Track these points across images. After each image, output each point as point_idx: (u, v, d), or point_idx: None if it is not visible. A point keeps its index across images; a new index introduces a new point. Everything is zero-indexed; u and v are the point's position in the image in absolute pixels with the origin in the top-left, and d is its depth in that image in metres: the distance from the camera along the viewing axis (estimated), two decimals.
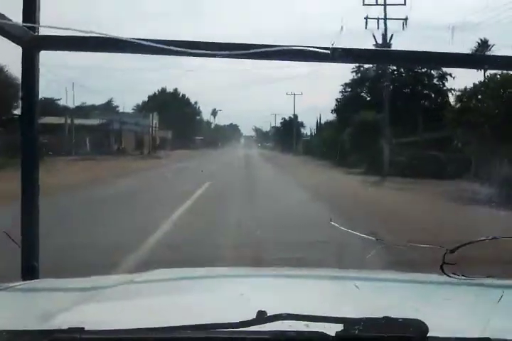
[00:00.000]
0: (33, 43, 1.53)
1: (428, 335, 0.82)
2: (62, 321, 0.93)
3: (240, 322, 0.84)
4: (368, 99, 27.86)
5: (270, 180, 16.37)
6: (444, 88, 26.05)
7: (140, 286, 1.41)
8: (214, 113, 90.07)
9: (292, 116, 57.59)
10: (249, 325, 0.84)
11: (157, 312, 1.09)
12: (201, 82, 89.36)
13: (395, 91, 23.66)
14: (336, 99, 30.07)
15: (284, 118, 61.81)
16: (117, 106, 50.71)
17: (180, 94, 66.66)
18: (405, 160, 19.05)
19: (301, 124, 58.98)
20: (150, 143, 43.24)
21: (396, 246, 1.62)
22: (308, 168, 24.10)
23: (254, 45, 1.53)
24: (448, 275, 1.30)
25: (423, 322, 0.83)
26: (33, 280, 1.45)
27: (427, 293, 1.39)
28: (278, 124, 68.20)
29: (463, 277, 1.31)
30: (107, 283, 1.38)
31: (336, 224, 1.51)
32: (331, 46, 1.54)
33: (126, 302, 1.26)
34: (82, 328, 0.85)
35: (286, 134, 55.51)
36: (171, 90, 65.63)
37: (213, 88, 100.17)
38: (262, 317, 0.85)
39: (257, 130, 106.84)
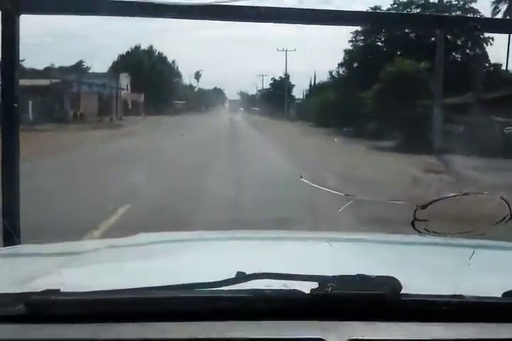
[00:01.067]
0: (13, 6, 1.70)
1: (401, 292, 0.93)
2: (41, 285, 1.03)
3: (218, 281, 0.96)
4: (385, 49, 25.81)
5: (268, 164, 11.82)
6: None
7: (121, 250, 1.63)
8: (197, 76, 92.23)
9: (284, 76, 57.46)
10: (227, 284, 0.96)
11: (136, 275, 1.24)
12: (183, 44, 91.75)
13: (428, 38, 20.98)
14: (345, 51, 28.12)
15: (273, 79, 62.19)
16: (88, 68, 49.15)
17: (156, 52, 65.63)
18: (466, 131, 14.50)
19: (293, 86, 59.16)
20: (117, 108, 42.03)
21: (367, 201, 1.85)
22: (313, 140, 19.04)
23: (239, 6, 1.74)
24: (419, 232, 1.49)
25: (396, 280, 0.94)
26: (13, 246, 1.66)
27: (402, 252, 1.63)
28: (266, 87, 69.06)
29: (434, 233, 1.51)
30: (88, 247, 1.59)
31: (306, 181, 1.73)
32: (313, 8, 1.80)
33: (105, 265, 1.44)
34: (58, 290, 0.95)
35: (276, 97, 54.78)
36: (146, 48, 64.76)
37: (196, 50, 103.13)
38: (239, 276, 0.98)
39: (243, 94, 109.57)
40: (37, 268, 1.30)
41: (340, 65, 29.47)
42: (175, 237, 1.85)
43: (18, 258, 1.59)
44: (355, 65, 27.05)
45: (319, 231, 2.02)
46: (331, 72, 35.47)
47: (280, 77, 59.75)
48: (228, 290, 0.95)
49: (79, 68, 49.62)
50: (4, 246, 1.70)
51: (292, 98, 55.33)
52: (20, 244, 1.73)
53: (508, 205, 1.39)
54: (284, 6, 1.76)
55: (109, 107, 40.14)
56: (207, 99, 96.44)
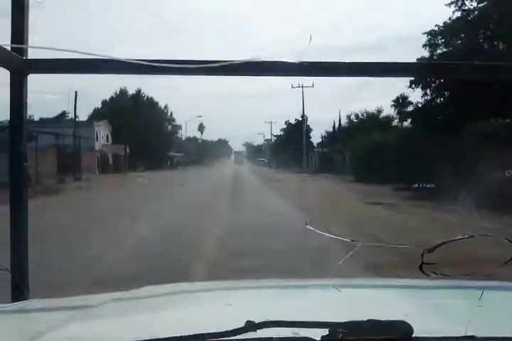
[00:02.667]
0: (21, 67, 2.18)
1: (413, 336, 1.09)
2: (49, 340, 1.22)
3: (228, 331, 1.13)
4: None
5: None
6: None
7: (127, 303, 1.95)
8: (201, 128, 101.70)
9: (299, 119, 58.78)
10: (237, 333, 1.13)
11: (145, 327, 1.46)
12: (187, 97, 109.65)
13: None
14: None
15: (287, 123, 64.69)
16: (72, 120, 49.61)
17: (145, 97, 67.07)
18: None
19: (310, 130, 60.30)
20: (89, 164, 41.54)
21: (374, 247, 2.16)
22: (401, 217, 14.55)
23: (231, 61, 2.19)
24: (427, 275, 1.80)
25: (407, 324, 1.10)
26: (22, 301, 2.02)
27: (411, 296, 1.93)
28: (275, 133, 73.47)
29: (442, 276, 1.83)
30: (95, 301, 1.91)
31: (312, 228, 2.09)
32: (300, 61, 2.20)
33: (112, 319, 1.70)
34: None
35: (289, 144, 56.99)
36: (134, 92, 65.97)
37: (199, 103, 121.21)
38: (249, 325, 1.14)
39: (248, 145, 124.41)
40: (45, 324, 1.57)
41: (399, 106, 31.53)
42: (181, 289, 2.20)
43: (27, 313, 1.92)
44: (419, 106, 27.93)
45: (326, 278, 2.35)
46: (357, 115, 37.75)
47: (296, 119, 61.61)
48: (238, 340, 1.13)
49: (62, 120, 50.48)
50: (13, 300, 2.08)
51: (310, 145, 55.93)
52: (29, 298, 2.11)
53: None
54: (267, 60, 2.21)
55: (76, 163, 38.53)
56: (210, 151, 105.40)
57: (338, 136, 46.17)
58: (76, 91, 40.15)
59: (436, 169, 17.42)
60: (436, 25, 26.75)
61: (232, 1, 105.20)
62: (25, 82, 2.21)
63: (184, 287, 2.28)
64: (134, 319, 1.69)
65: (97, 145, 52.22)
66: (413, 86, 27.67)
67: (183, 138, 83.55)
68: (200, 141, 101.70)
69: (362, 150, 29.13)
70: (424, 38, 26.99)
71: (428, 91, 27.43)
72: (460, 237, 1.88)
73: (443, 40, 26.74)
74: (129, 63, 2.19)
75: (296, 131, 56.26)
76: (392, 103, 34.35)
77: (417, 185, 21.88)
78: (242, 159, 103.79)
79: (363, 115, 51.65)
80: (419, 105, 28.14)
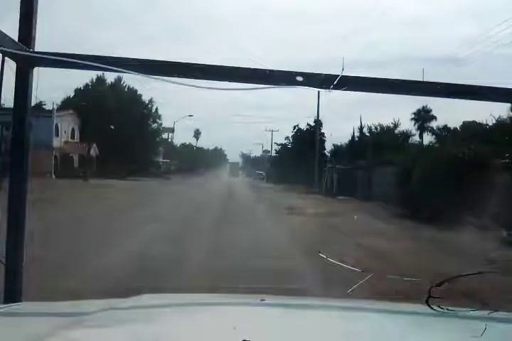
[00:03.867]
0: (27, 60, 2.44)
1: None
2: None
3: None
4: None
5: None
6: None
7: (123, 312, 2.18)
8: (196, 134, 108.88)
9: (313, 123, 56.40)
10: None
11: (138, 339, 1.71)
12: (185, 100, 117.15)
13: None
14: None
15: (296, 128, 61.81)
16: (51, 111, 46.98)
17: (126, 87, 63.46)
18: None
19: (323, 142, 57.16)
20: (39, 165, 35.03)
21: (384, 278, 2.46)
22: None
23: (242, 68, 2.52)
24: (433, 309, 2.10)
25: None
26: (15, 304, 2.26)
27: (412, 324, 2.20)
28: (278, 141, 72.19)
29: (448, 310, 2.12)
30: (91, 308, 2.14)
31: (324, 256, 2.35)
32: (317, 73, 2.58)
33: (108, 329, 1.91)
34: None
35: (296, 155, 54.34)
36: (113, 80, 62.51)
37: (197, 109, 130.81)
38: None
39: (244, 156, 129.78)
40: (40, 329, 1.79)
41: None
42: (178, 300, 2.45)
43: (20, 317, 2.14)
44: None
45: (326, 298, 2.59)
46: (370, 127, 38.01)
47: (308, 124, 58.78)
48: None
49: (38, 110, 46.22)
50: (5, 302, 2.32)
51: (322, 158, 51.43)
52: (21, 301, 2.36)
53: None
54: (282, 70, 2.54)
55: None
56: (204, 160, 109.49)
57: (360, 149, 43.23)
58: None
59: None
60: None
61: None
62: (31, 74, 2.49)
63: (182, 298, 2.56)
64: (128, 331, 1.91)
65: (57, 142, 49.08)
66: None
67: (175, 143, 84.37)
68: (194, 148, 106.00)
69: (421, 172, 22.75)
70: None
71: None
72: (468, 273, 2.21)
73: None
74: (139, 62, 2.50)
75: (306, 139, 53.29)
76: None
77: None
78: (237, 171, 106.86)
79: (376, 128, 52.42)
80: None
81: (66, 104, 54.83)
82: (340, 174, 43.06)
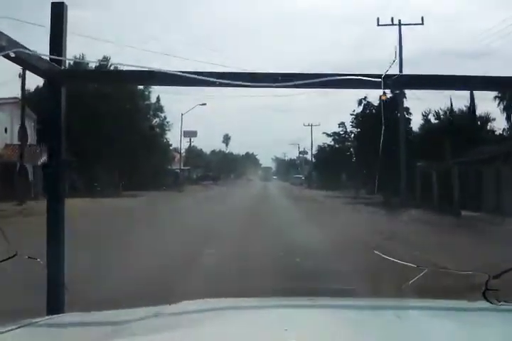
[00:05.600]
0: (58, 77, 2.93)
1: None
2: None
3: None
4: None
5: None
6: None
7: (167, 319, 2.55)
8: (226, 139, 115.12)
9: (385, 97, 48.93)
10: None
11: None
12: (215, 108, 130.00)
13: None
14: None
15: (365, 102, 46.34)
16: None
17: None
18: None
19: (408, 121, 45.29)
20: None
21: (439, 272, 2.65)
22: None
23: (299, 74, 2.93)
24: (490, 302, 2.32)
25: None
26: (58, 315, 2.68)
27: (466, 321, 2.42)
28: (330, 135, 60.43)
29: (505, 303, 2.35)
30: (133, 316, 2.48)
31: (380, 253, 2.69)
32: (383, 73, 2.87)
33: (153, 336, 2.19)
34: None
35: (365, 145, 38.76)
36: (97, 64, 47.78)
37: (226, 114, 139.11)
38: None
39: (278, 160, 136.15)
40: (84, 339, 2.09)
41: None
42: (221, 305, 2.84)
43: (64, 328, 2.43)
44: None
45: (380, 298, 2.87)
46: None
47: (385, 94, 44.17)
48: None
49: None
50: (48, 314, 2.74)
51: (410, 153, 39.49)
52: (64, 312, 2.81)
53: None
54: (350, 75, 2.88)
55: None
56: (234, 166, 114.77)
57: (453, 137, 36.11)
58: None
59: None
60: None
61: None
62: (63, 91, 2.96)
63: (223, 303, 2.94)
64: (173, 337, 2.21)
65: None
66: None
67: (204, 150, 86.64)
68: (225, 152, 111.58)
69: None
70: None
71: None
72: None
73: None
74: (156, 73, 2.91)
75: (377, 121, 37.33)
76: None
77: None
78: (269, 176, 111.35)
79: (446, 112, 47.84)
80: None
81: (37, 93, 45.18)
82: (443, 174, 34.05)
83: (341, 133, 55.41)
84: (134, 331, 2.26)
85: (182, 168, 71.97)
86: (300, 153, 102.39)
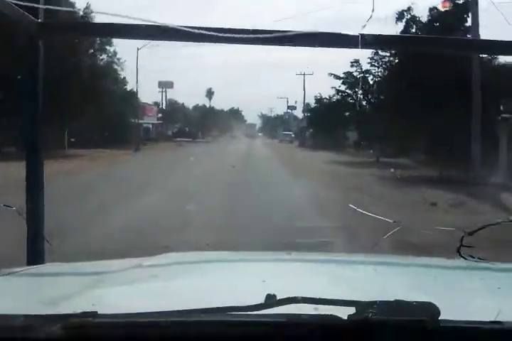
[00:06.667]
0: (35, 30, 3.13)
1: (440, 318, 1.51)
2: (74, 306, 1.72)
3: (252, 305, 1.59)
4: None
5: None
6: None
7: (150, 270, 2.67)
8: (209, 94, 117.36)
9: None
10: (262, 308, 1.59)
11: (168, 296, 2.09)
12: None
13: None
14: None
15: (407, 15, 32.28)
16: None
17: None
18: None
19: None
20: None
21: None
22: None
23: (279, 30, 3.11)
24: (464, 258, 2.59)
25: (435, 305, 1.53)
26: (39, 265, 2.93)
27: (441, 277, 2.63)
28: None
29: (479, 260, 2.61)
30: (116, 267, 2.61)
31: (354, 207, 2.86)
32: (359, 33, 3.10)
33: (136, 286, 2.38)
34: (96, 312, 1.56)
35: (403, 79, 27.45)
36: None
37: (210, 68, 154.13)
38: (274, 300, 1.63)
39: (264, 117, 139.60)
40: (65, 289, 2.20)
41: None
42: (203, 257, 3.12)
43: (46, 277, 2.66)
44: None
45: (354, 253, 3.13)
46: None
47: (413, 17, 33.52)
48: (262, 315, 1.58)
49: None
50: (28, 264, 2.99)
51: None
52: (44, 263, 3.09)
53: None
54: (326, 32, 3.17)
55: None
56: (218, 122, 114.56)
57: None
58: None
59: None
60: None
61: None
62: (41, 45, 3.18)
63: (207, 256, 3.25)
64: (157, 287, 2.41)
65: None
66: None
67: (186, 105, 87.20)
68: (207, 107, 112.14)
69: None
70: None
71: None
72: (502, 220, 2.72)
73: None
74: (141, 26, 3.08)
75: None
76: None
77: None
78: (254, 134, 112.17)
79: None
80: None
81: None
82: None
83: (356, 72, 47.82)
84: (115, 281, 2.49)
85: (154, 122, 70.46)
86: (289, 107, 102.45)
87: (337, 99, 52.07)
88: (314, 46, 3.32)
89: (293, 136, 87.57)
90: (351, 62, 47.34)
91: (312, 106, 66.18)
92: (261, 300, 1.66)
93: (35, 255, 3.14)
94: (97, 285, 2.32)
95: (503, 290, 2.34)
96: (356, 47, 3.09)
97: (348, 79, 49.42)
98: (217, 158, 38.68)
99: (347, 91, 50.81)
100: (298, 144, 74.21)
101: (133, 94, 62.80)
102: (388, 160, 36.07)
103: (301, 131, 78.16)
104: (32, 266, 2.91)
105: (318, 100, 61.61)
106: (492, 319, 1.61)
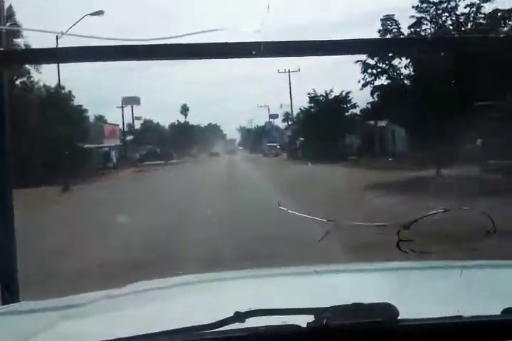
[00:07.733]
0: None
1: (399, 318, 1.67)
2: (45, 339, 2.04)
3: (215, 322, 1.76)
4: None
5: None
6: None
7: (119, 299, 2.91)
8: (184, 109, 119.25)
9: None
10: (225, 324, 1.75)
11: (135, 322, 2.32)
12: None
13: None
14: None
15: None
16: None
17: None
18: None
19: None
20: None
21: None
22: None
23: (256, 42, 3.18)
24: (405, 252, 2.77)
25: (392, 306, 1.69)
26: (13, 304, 3.06)
27: (395, 278, 3.04)
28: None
29: (420, 253, 2.80)
30: (88, 299, 2.82)
31: (284, 208, 3.12)
32: (319, 39, 3.26)
33: (104, 315, 2.65)
34: None
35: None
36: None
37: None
38: (235, 316, 1.77)
39: (243, 129, 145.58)
40: (38, 325, 2.37)
41: None
42: (171, 283, 3.30)
43: (19, 315, 2.83)
44: None
45: (308, 266, 3.36)
46: None
47: None
48: (225, 331, 1.74)
49: None
50: (3, 304, 3.14)
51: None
52: (19, 301, 3.24)
53: (491, 220, 2.83)
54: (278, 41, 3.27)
55: None
56: (195, 139, 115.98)
57: None
58: None
59: None
60: None
61: None
62: (5, 74, 3.29)
63: (174, 281, 3.42)
64: (125, 314, 2.65)
65: None
66: None
67: (162, 124, 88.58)
68: (182, 123, 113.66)
69: None
70: None
71: None
72: (435, 211, 2.83)
73: None
74: (106, 49, 3.20)
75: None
76: None
77: None
78: (233, 149, 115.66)
79: None
80: None
81: None
82: None
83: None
84: (89, 312, 2.66)
85: (115, 144, 66.87)
86: (270, 116, 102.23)
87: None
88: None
89: (279, 147, 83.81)
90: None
91: (303, 108, 62.36)
92: (223, 317, 1.78)
93: (8, 293, 3.24)
94: (68, 318, 2.48)
95: (461, 288, 2.63)
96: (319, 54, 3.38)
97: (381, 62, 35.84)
98: (185, 195, 29.22)
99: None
100: (286, 157, 69.47)
101: (81, 112, 57.95)
102: (454, 172, 26.03)
103: (291, 140, 73.02)
104: (5, 305, 3.02)
105: (313, 98, 58.39)
106: (450, 314, 1.74)
